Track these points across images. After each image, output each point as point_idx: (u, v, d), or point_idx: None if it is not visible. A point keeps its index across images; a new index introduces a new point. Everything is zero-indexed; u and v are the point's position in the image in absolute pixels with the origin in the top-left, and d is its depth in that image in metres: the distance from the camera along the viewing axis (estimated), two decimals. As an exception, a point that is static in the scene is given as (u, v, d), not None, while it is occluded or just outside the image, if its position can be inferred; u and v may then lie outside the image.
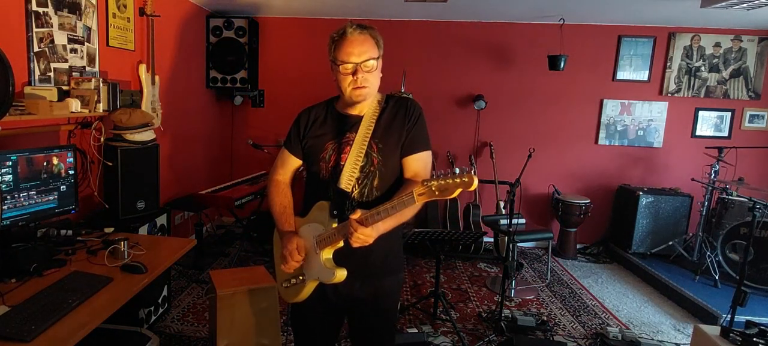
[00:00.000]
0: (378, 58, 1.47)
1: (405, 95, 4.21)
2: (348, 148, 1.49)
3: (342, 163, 1.49)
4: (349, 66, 1.43)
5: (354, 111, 1.53)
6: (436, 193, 1.20)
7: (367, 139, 1.49)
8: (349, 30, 1.43)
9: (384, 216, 1.30)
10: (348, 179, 1.47)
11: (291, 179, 1.67)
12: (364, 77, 1.43)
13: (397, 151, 1.51)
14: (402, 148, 1.51)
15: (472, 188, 1.18)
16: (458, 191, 1.19)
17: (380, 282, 1.57)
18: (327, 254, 1.48)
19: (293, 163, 1.64)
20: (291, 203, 1.62)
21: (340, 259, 1.47)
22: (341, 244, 1.44)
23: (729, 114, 4.67)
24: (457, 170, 1.18)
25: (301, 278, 1.55)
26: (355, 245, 1.33)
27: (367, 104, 1.52)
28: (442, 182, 1.19)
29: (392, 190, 1.53)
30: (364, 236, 1.31)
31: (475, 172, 1.13)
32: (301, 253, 1.50)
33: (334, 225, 1.44)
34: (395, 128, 1.51)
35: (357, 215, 1.32)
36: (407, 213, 1.34)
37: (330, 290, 1.54)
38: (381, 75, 1.51)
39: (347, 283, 1.46)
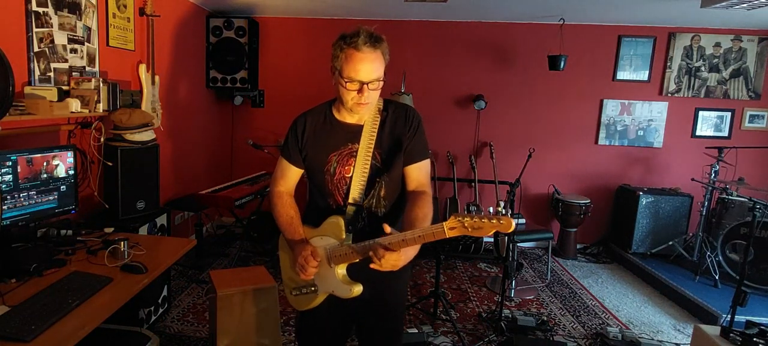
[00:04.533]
0: (384, 75, 1.42)
1: (402, 101, 4.21)
2: (352, 159, 1.48)
3: (347, 175, 1.48)
4: (356, 84, 1.37)
5: (353, 119, 1.51)
6: (469, 230, 1.19)
7: (371, 150, 1.47)
8: (362, 45, 1.34)
9: (410, 243, 1.28)
10: (357, 192, 1.46)
11: (294, 188, 1.62)
12: (368, 95, 1.39)
13: (399, 160, 1.50)
14: (404, 156, 1.50)
15: (510, 231, 1.16)
16: (493, 231, 1.18)
17: (389, 284, 1.57)
18: (342, 269, 1.48)
19: (294, 173, 1.59)
20: (297, 213, 1.58)
21: (350, 267, 1.49)
22: (357, 260, 1.43)
23: (729, 114, 4.67)
24: (491, 210, 1.19)
25: (313, 288, 1.53)
26: (385, 268, 1.30)
27: (366, 112, 1.50)
28: (477, 221, 1.17)
29: (398, 199, 1.52)
30: (394, 260, 1.29)
31: (511, 214, 1.13)
32: (316, 258, 1.46)
33: (349, 241, 1.45)
34: (397, 137, 1.50)
35: (387, 229, 1.30)
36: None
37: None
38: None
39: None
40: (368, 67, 1.36)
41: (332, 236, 1.48)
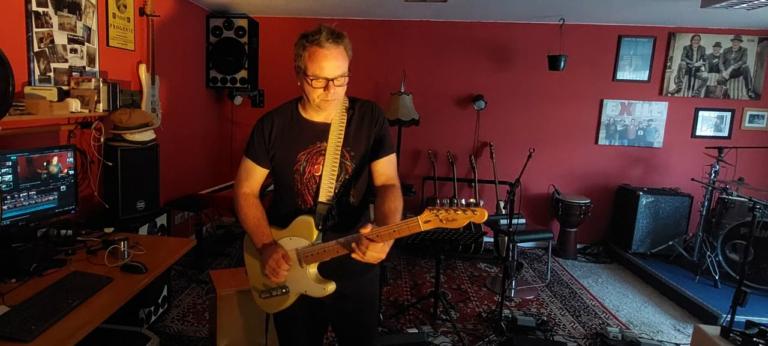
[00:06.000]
0: (348, 71, 1.42)
1: (402, 101, 4.21)
2: (321, 158, 1.48)
3: (317, 173, 1.48)
4: (322, 81, 1.38)
5: (320, 118, 1.51)
6: (443, 223, 1.20)
7: (340, 147, 1.47)
8: (325, 41, 1.34)
9: (385, 238, 1.30)
10: (327, 191, 1.46)
11: (259, 190, 1.59)
12: (334, 91, 1.39)
13: (367, 156, 1.52)
14: (371, 152, 1.52)
15: (482, 221, 1.19)
16: (467, 222, 1.19)
17: (360, 279, 1.58)
18: (313, 268, 1.49)
19: (260, 173, 1.55)
20: (264, 214, 1.54)
21: (320, 265, 1.49)
22: (328, 258, 1.43)
23: (729, 114, 4.67)
24: (464, 202, 1.20)
25: (284, 290, 1.52)
26: (368, 260, 1.31)
27: (332, 109, 1.49)
28: (452, 213, 1.19)
29: (365, 194, 1.54)
30: (378, 252, 1.30)
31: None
32: (288, 262, 1.46)
33: (320, 240, 1.45)
34: (364, 134, 1.51)
35: (367, 229, 1.30)
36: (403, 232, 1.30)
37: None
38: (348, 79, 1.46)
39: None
40: (333, 63, 1.36)
41: (302, 236, 1.47)
